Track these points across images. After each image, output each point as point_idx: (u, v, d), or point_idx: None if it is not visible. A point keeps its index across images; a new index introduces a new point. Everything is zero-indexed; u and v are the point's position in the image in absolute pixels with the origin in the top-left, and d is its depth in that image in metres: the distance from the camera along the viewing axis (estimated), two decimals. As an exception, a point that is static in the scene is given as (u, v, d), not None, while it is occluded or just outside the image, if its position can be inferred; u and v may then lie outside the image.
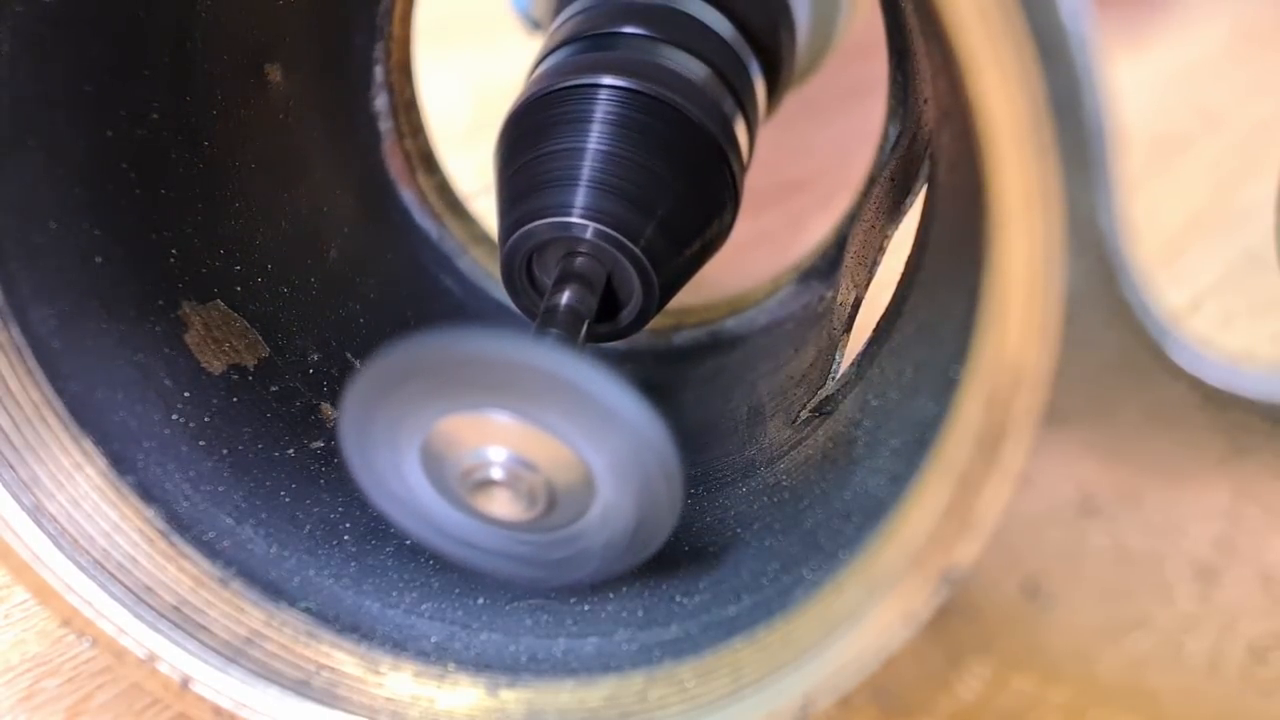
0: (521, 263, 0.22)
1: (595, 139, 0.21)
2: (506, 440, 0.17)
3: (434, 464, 0.17)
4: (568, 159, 0.21)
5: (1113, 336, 0.13)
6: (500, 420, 0.17)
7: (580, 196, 0.21)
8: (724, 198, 0.23)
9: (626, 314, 0.22)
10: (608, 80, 0.22)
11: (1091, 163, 0.12)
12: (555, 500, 0.17)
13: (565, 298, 0.20)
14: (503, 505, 0.17)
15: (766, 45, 0.26)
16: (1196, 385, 0.13)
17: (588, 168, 0.21)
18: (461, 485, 0.17)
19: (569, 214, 0.21)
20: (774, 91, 0.27)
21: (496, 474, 0.17)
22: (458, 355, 0.16)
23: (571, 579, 0.19)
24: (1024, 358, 0.13)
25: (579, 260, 0.21)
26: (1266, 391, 0.13)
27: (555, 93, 0.22)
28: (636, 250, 0.21)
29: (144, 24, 0.21)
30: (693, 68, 0.23)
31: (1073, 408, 0.13)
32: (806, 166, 0.42)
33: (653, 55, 0.23)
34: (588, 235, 0.21)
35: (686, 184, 0.22)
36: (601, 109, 0.22)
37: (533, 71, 0.24)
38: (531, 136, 0.22)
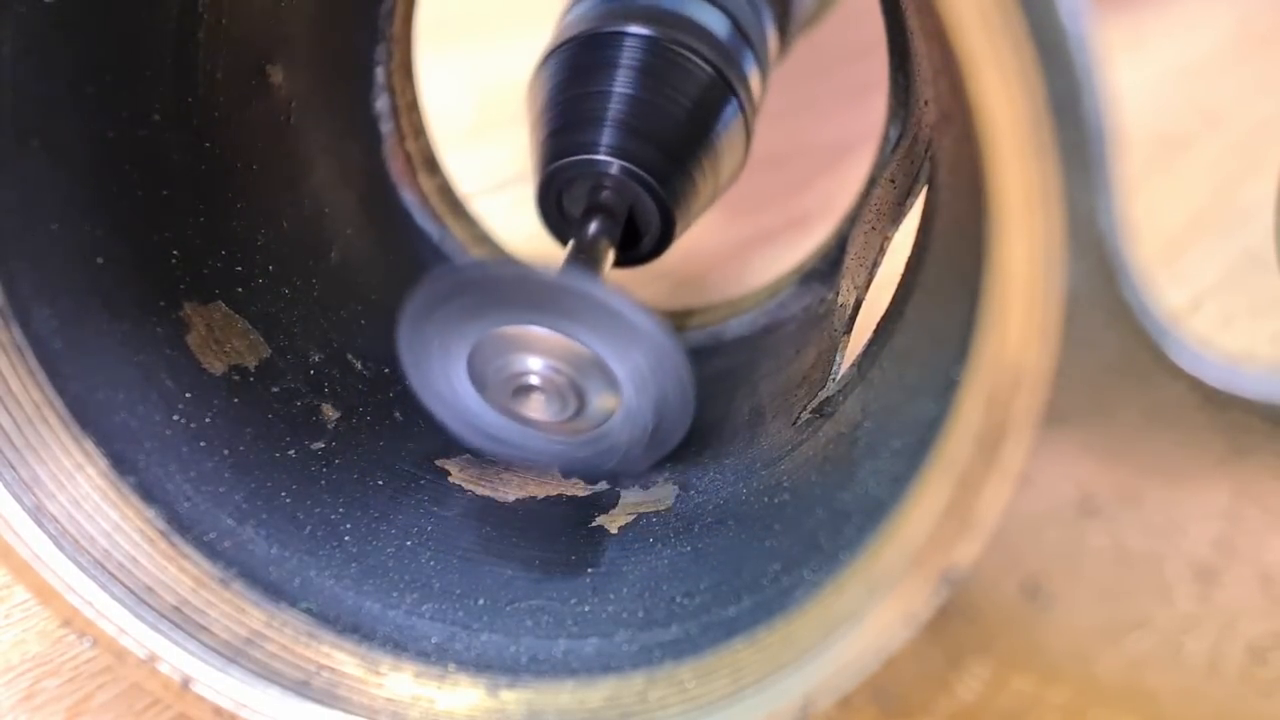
0: (554, 195, 0.24)
1: (621, 83, 0.24)
2: (543, 351, 0.19)
3: (479, 371, 0.20)
4: (596, 101, 0.24)
5: (1113, 337, 0.13)
6: (538, 334, 0.19)
7: (606, 135, 0.23)
8: (738, 140, 0.25)
9: (646, 242, 0.24)
10: (634, 29, 0.24)
11: (1092, 163, 0.12)
12: (584, 404, 0.20)
13: (593, 228, 0.23)
14: (538, 408, 0.20)
15: None
16: (1196, 385, 0.13)
17: (613, 109, 0.23)
18: (503, 390, 0.20)
19: (596, 151, 0.23)
20: (785, 37, 0.29)
21: (534, 380, 0.19)
22: (504, 278, 0.19)
23: (598, 471, 0.22)
24: (1024, 358, 0.13)
25: (604, 193, 0.23)
26: (1266, 392, 0.13)
27: (585, 39, 0.24)
28: (656, 185, 0.23)
29: (146, 25, 0.21)
30: (712, 19, 0.25)
31: (1073, 408, 0.13)
32: (807, 168, 0.42)
33: (676, 5, 0.25)
34: (612, 171, 0.23)
35: (703, 126, 0.24)
36: (626, 55, 0.24)
37: (564, 16, 0.26)
38: (563, 79, 0.24)
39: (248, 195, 0.24)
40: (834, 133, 0.45)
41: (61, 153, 0.19)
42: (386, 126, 0.29)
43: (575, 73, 0.24)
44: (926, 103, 0.21)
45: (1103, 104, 0.12)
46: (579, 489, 0.23)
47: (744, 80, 0.25)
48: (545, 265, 0.20)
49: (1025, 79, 0.11)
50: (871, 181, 0.25)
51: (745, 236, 0.37)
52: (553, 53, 0.25)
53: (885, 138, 0.25)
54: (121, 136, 0.21)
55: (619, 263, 0.24)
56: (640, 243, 0.24)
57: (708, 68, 0.24)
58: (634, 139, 0.23)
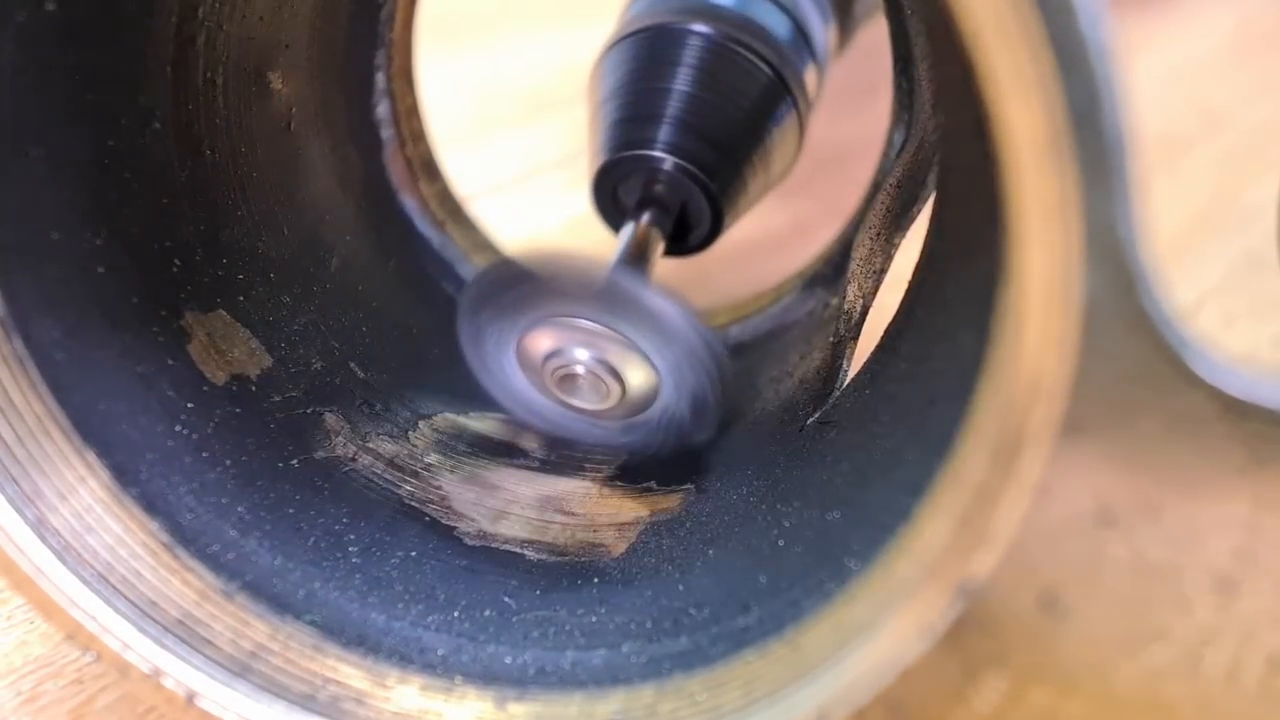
0: (610, 184, 0.25)
1: (681, 80, 0.24)
2: (590, 344, 0.20)
3: (529, 357, 0.21)
4: (656, 97, 0.24)
5: (1132, 346, 0.12)
6: (584, 327, 0.20)
7: (665, 132, 0.24)
8: (790, 139, 0.26)
9: (696, 235, 0.25)
10: (698, 27, 0.25)
11: (1111, 172, 0.12)
12: (625, 395, 0.21)
13: (645, 219, 0.24)
14: (582, 396, 0.21)
15: None
16: (1216, 395, 0.13)
17: (672, 106, 0.24)
18: (550, 377, 0.21)
19: (652, 147, 0.24)
20: (845, 33, 0.30)
21: (579, 369, 0.21)
22: (554, 273, 0.20)
23: (637, 450, 0.23)
24: (1042, 368, 0.13)
25: (658, 188, 0.24)
26: (1287, 401, 0.13)
27: (650, 32, 0.25)
28: (709, 183, 0.24)
29: (146, 33, 0.21)
30: (774, 19, 0.26)
31: (1091, 418, 0.13)
32: (809, 170, 0.42)
33: (740, 5, 0.26)
34: (667, 167, 0.24)
35: (759, 126, 0.25)
36: (690, 53, 0.24)
37: (630, 6, 0.27)
38: (625, 71, 0.25)
39: (248, 202, 0.24)
40: (836, 135, 0.44)
41: (62, 161, 0.19)
42: (387, 132, 0.28)
43: (639, 66, 0.25)
44: (934, 109, 0.21)
45: (1123, 112, 0.11)
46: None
47: (800, 80, 0.26)
48: (595, 259, 0.21)
49: (1044, 89, 0.11)
50: (876, 186, 0.25)
51: (747, 240, 0.37)
52: (619, 42, 0.25)
53: (889, 142, 0.25)
54: (122, 145, 0.20)
55: (668, 252, 0.25)
56: (690, 235, 0.25)
57: (766, 68, 0.25)
58: (691, 137, 0.24)
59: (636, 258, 0.23)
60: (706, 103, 0.24)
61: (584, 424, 0.22)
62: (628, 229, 0.24)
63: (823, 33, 0.28)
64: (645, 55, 0.25)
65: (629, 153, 0.24)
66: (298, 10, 0.24)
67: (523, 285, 0.20)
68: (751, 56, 0.25)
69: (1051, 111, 0.11)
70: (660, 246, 0.24)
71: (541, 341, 0.21)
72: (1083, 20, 0.11)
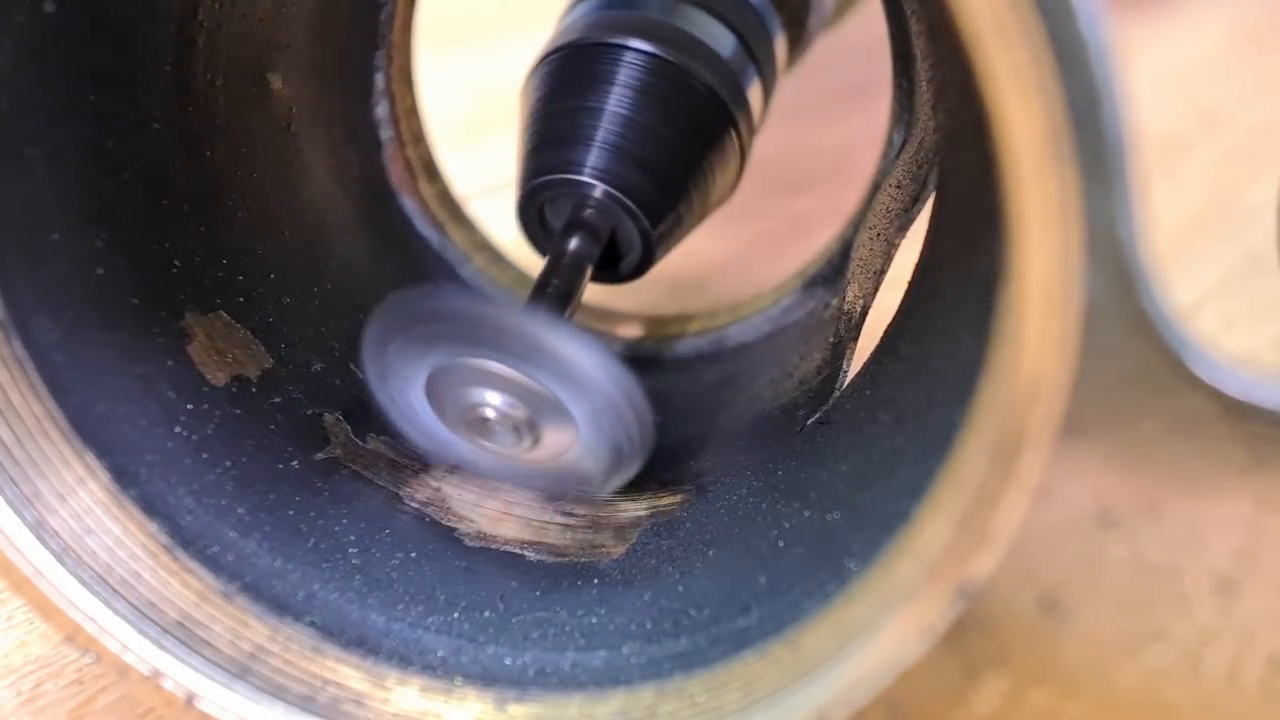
0: (536, 206, 0.24)
1: (614, 101, 0.23)
2: (500, 386, 0.19)
3: (437, 396, 0.20)
4: (586, 117, 0.23)
5: (1132, 347, 0.12)
6: (495, 369, 0.19)
7: (593, 156, 0.23)
8: (730, 162, 0.25)
9: (627, 262, 0.24)
10: (634, 43, 0.23)
11: (1111, 173, 0.12)
12: (539, 439, 0.20)
13: (572, 244, 0.22)
14: (494, 439, 0.20)
15: (791, 3, 0.27)
16: (1216, 396, 0.13)
17: (603, 129, 0.23)
18: (459, 418, 0.20)
19: (580, 172, 0.23)
20: (796, 45, 0.29)
21: (489, 413, 0.19)
22: (465, 311, 0.19)
23: (555, 495, 0.22)
24: (1042, 369, 0.13)
25: (586, 212, 0.23)
26: (1287, 402, 0.13)
27: (584, 48, 0.24)
28: (639, 213, 0.23)
29: (145, 34, 0.21)
30: (716, 33, 0.24)
31: (1091, 419, 0.13)
32: (809, 170, 0.42)
33: (679, 19, 0.24)
34: (596, 194, 0.23)
35: (696, 150, 0.24)
36: (624, 72, 0.23)
37: (565, 16, 0.25)
38: (556, 88, 0.24)
39: (248, 204, 0.24)
40: (836, 135, 0.44)
41: (61, 163, 0.19)
42: (386, 133, 0.28)
43: (570, 83, 0.24)
44: (934, 110, 0.21)
45: (1122, 113, 0.11)
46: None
47: (743, 103, 0.25)
48: (509, 303, 0.20)
49: (1044, 90, 0.11)
50: (876, 187, 0.25)
51: (747, 240, 0.37)
52: (548, 57, 0.24)
53: (889, 142, 0.25)
54: (121, 146, 0.20)
55: (598, 279, 0.24)
56: (620, 262, 0.24)
57: (706, 91, 0.23)
58: (622, 163, 0.23)
59: (562, 285, 0.22)
60: (640, 126, 0.23)
61: (494, 465, 0.21)
62: (553, 253, 0.23)
63: (769, 46, 0.26)
64: (577, 71, 0.24)
65: (556, 176, 0.23)
66: (297, 11, 0.24)
67: (434, 321, 0.19)
68: (690, 77, 0.23)
69: (1051, 112, 0.11)
70: (587, 272, 0.23)
71: (452, 381, 0.20)
72: (1082, 21, 0.11)
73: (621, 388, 0.19)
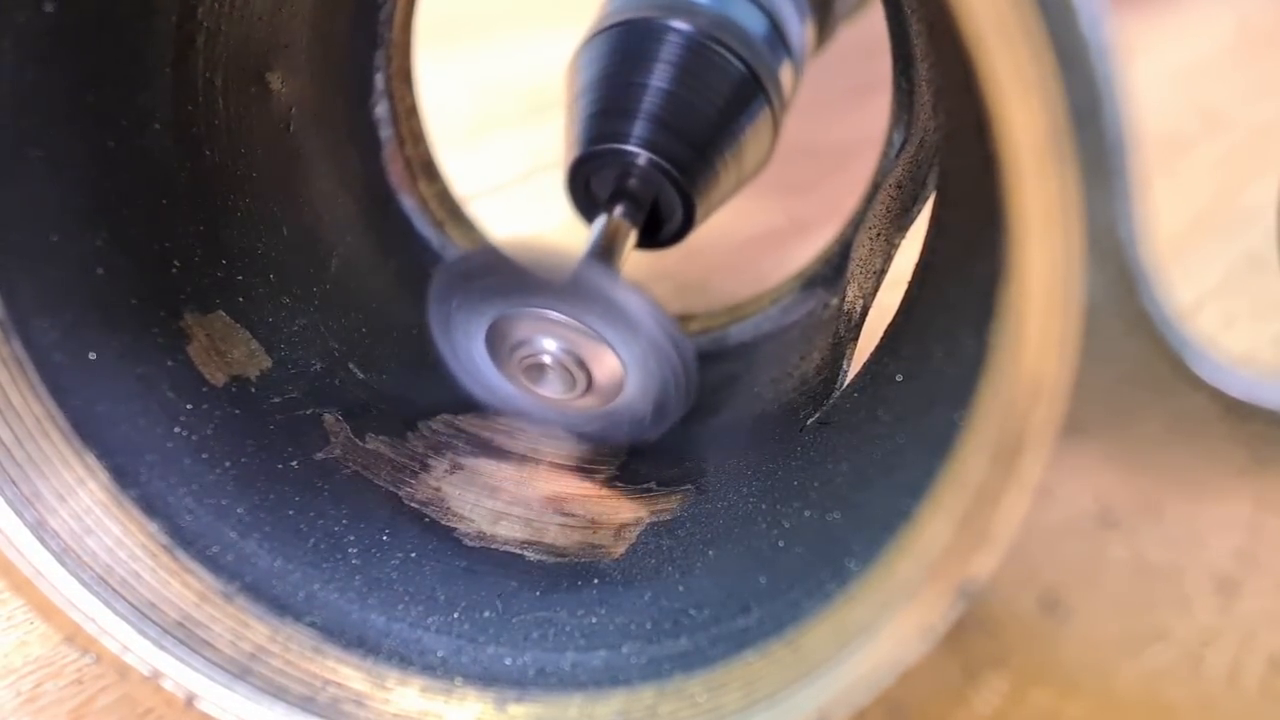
0: (583, 176, 0.25)
1: (657, 76, 0.24)
2: (556, 334, 0.21)
3: (496, 346, 0.21)
4: (633, 91, 0.24)
5: (1132, 347, 0.12)
6: (552, 318, 0.20)
7: (639, 127, 0.24)
8: (764, 136, 0.26)
9: (669, 228, 0.26)
10: (676, 23, 0.25)
11: (1112, 173, 0.12)
12: (591, 385, 0.21)
13: (618, 212, 0.24)
14: (549, 385, 0.21)
15: None
16: (1217, 396, 0.13)
17: (648, 102, 0.24)
18: (517, 365, 0.21)
19: (626, 141, 0.24)
20: (823, 31, 0.30)
21: (547, 359, 0.21)
22: (523, 264, 0.20)
23: (599, 439, 0.23)
24: (1043, 369, 0.13)
25: (631, 181, 0.24)
26: (1288, 402, 0.13)
27: (631, 26, 0.25)
28: (681, 179, 0.24)
29: (145, 34, 0.21)
30: (751, 17, 0.26)
31: (1092, 419, 0.13)
32: (809, 170, 0.42)
33: (717, 2, 0.26)
34: (640, 162, 0.24)
35: (733, 124, 0.25)
36: (667, 49, 0.25)
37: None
38: (604, 65, 0.25)
39: (248, 203, 0.24)
40: (836, 135, 0.44)
41: (61, 163, 0.19)
42: (386, 133, 0.28)
43: (616, 60, 0.25)
44: (934, 110, 0.21)
45: (1124, 113, 0.11)
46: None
47: (775, 79, 0.26)
48: (565, 251, 0.21)
49: (1045, 89, 0.11)
50: (876, 186, 0.25)
51: (747, 240, 0.37)
52: (597, 35, 0.26)
53: (889, 142, 0.25)
54: (121, 146, 0.20)
55: (641, 245, 0.25)
56: (662, 229, 0.26)
57: (741, 66, 0.25)
58: (664, 133, 0.24)
59: (607, 250, 0.23)
60: (681, 99, 0.24)
61: (549, 412, 0.22)
62: (600, 221, 0.24)
63: (799, 31, 0.28)
64: (623, 50, 0.25)
65: (603, 146, 0.24)
66: (297, 11, 0.24)
67: (493, 275, 0.20)
68: (727, 54, 0.25)
69: (1052, 112, 0.11)
70: (632, 239, 0.24)
71: (510, 331, 0.21)
72: (1083, 20, 0.11)
73: (667, 331, 0.20)
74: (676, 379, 0.20)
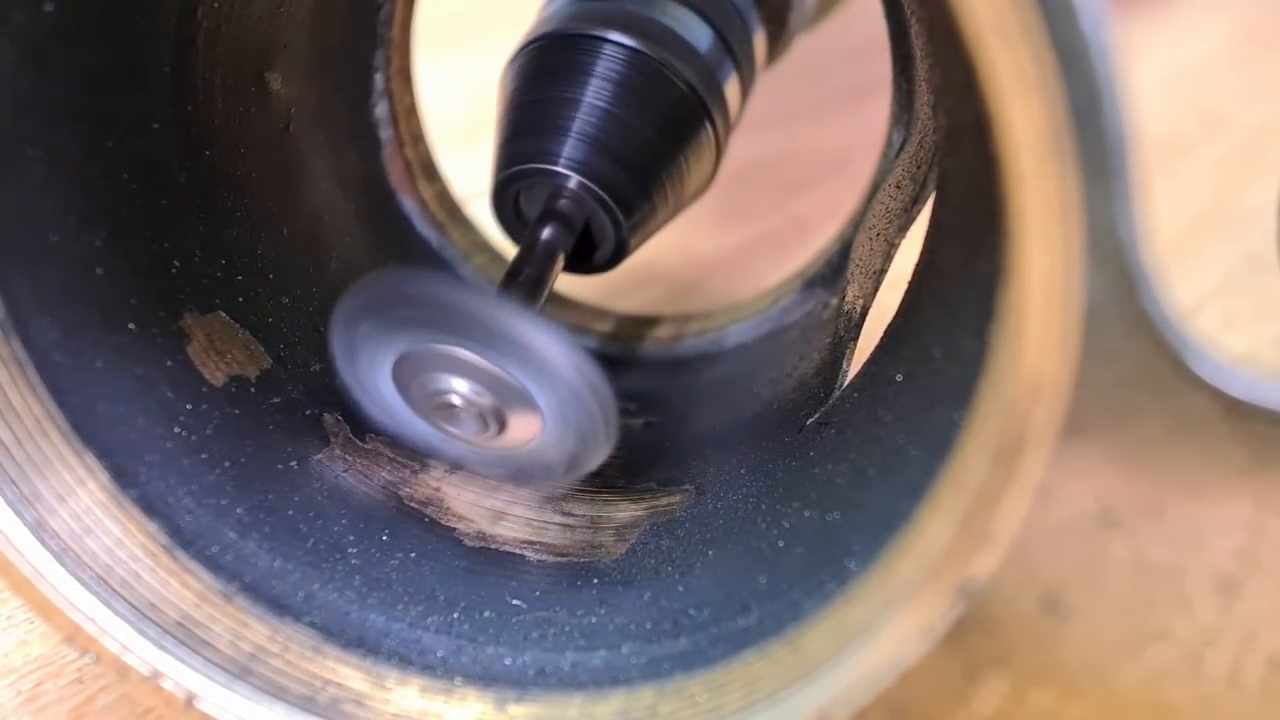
0: (510, 196, 0.24)
1: (591, 93, 0.23)
2: (467, 374, 0.19)
3: (404, 380, 0.20)
4: (564, 108, 0.23)
5: (1133, 347, 0.12)
6: (463, 356, 0.19)
7: (570, 148, 0.23)
8: (705, 158, 0.25)
9: (601, 253, 0.24)
10: (613, 36, 0.23)
11: (1112, 173, 0.12)
12: (505, 428, 0.20)
13: (545, 234, 0.22)
14: (459, 426, 0.20)
15: (771, 0, 0.27)
16: (1218, 396, 0.13)
17: (579, 120, 0.23)
18: (425, 404, 0.20)
19: (555, 162, 0.23)
20: (776, 42, 0.28)
21: (456, 400, 0.19)
22: (437, 297, 0.19)
23: (517, 483, 0.22)
24: (1043, 369, 0.13)
25: (561, 202, 0.23)
26: (1289, 403, 0.13)
27: (563, 39, 0.24)
28: (613, 205, 0.23)
29: (144, 34, 0.21)
30: (694, 28, 0.24)
31: (1092, 419, 0.13)
32: (809, 170, 0.42)
33: (657, 13, 0.24)
34: (570, 185, 0.23)
35: (671, 145, 0.24)
36: (602, 64, 0.23)
37: (546, 6, 0.25)
38: (535, 77, 0.24)
39: (247, 204, 0.23)
40: (835, 136, 0.44)
41: (61, 163, 0.19)
42: (385, 133, 0.28)
43: (548, 73, 0.24)
44: (934, 110, 0.21)
45: (1124, 114, 0.11)
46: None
47: (720, 98, 0.25)
48: (480, 290, 0.20)
49: (1045, 90, 0.11)
50: (875, 187, 0.25)
51: (745, 241, 0.37)
52: (527, 47, 0.24)
53: (889, 142, 0.25)
54: (121, 146, 0.20)
55: (570, 269, 0.24)
56: (594, 254, 0.24)
57: (683, 86, 0.24)
58: (598, 155, 0.23)
59: (533, 277, 0.22)
60: (616, 118, 0.23)
61: (459, 450, 0.20)
62: (526, 242, 0.23)
63: (748, 43, 0.26)
64: (556, 62, 0.24)
65: (531, 165, 0.23)
66: (296, 11, 0.24)
67: (403, 305, 0.19)
68: (669, 73, 0.23)
69: (1052, 112, 0.11)
70: (559, 262, 0.23)
71: (419, 366, 0.19)
72: (1083, 21, 0.11)
73: (587, 380, 0.19)
74: (595, 431, 0.19)
